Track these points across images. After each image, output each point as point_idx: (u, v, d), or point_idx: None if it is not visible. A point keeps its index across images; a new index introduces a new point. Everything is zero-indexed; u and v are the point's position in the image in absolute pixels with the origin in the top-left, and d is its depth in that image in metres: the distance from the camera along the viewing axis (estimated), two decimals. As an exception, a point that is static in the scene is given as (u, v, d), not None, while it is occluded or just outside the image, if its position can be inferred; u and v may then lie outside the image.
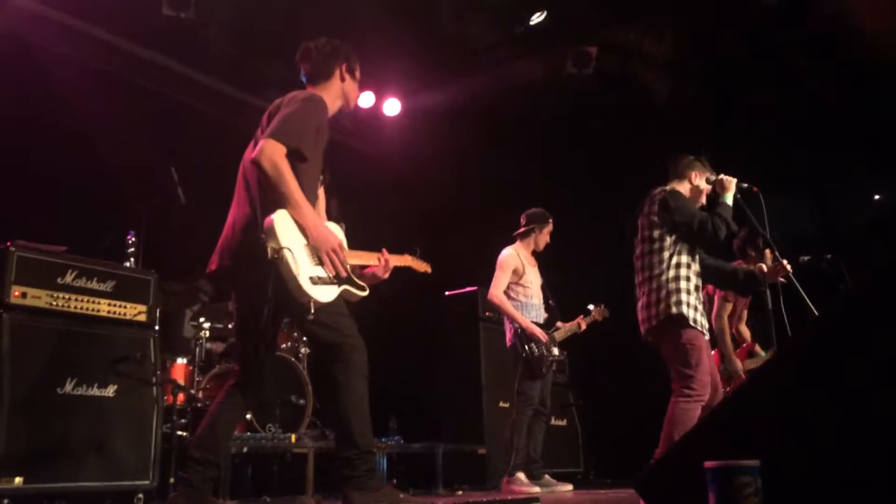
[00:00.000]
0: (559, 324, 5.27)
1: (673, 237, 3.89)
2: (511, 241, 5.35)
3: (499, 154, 6.99)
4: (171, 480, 3.79)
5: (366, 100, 6.97)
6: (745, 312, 5.60)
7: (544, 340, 4.95)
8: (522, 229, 5.34)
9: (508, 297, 5.11)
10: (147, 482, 3.70)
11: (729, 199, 3.89)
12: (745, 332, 5.66)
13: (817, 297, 4.03)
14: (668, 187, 4.03)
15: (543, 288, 5.35)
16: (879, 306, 1.53)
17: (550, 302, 5.37)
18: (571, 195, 6.69)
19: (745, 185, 3.99)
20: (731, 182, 3.94)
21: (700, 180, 4.05)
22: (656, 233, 3.90)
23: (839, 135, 6.06)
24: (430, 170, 7.12)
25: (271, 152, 2.67)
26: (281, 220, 2.64)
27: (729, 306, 5.25)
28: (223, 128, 6.27)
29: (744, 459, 1.34)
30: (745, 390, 1.62)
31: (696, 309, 3.79)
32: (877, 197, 6.92)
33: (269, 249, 2.55)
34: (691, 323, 3.74)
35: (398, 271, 6.42)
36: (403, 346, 6.93)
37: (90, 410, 3.51)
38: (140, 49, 5.68)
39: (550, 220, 5.37)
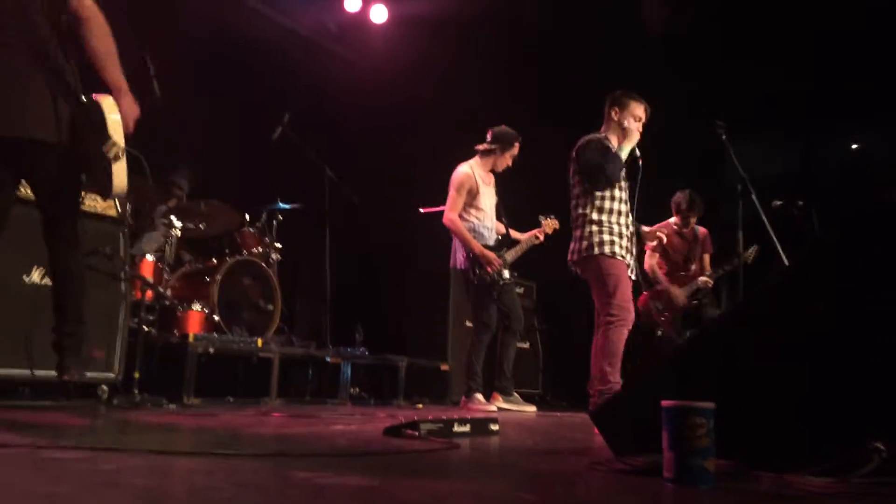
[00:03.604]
0: (514, 233, 5.27)
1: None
2: (471, 155, 5.22)
3: (486, 65, 6.84)
4: (136, 375, 3.82)
5: (352, 4, 6.75)
6: (706, 257, 5.80)
7: (497, 266, 4.94)
8: (485, 146, 5.17)
9: (462, 218, 5.03)
10: (112, 375, 3.73)
11: (623, 152, 4.23)
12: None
13: (788, 242, 4.18)
14: (597, 133, 4.35)
15: (497, 206, 5.27)
16: (843, 260, 1.56)
17: (503, 220, 5.32)
18: (554, 111, 6.59)
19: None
20: (633, 137, 4.24)
21: (622, 118, 4.29)
22: (575, 178, 4.34)
23: (826, 77, 6.03)
24: (416, 80, 6.98)
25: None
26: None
27: (656, 256, 5.77)
28: (202, 21, 6.05)
29: (699, 401, 1.38)
30: (708, 334, 1.66)
31: (613, 243, 4.20)
32: (854, 146, 6.95)
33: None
34: (608, 253, 4.18)
35: (371, 180, 6.41)
36: (374, 259, 6.96)
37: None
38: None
39: (517, 144, 5.17)
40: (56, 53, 2.60)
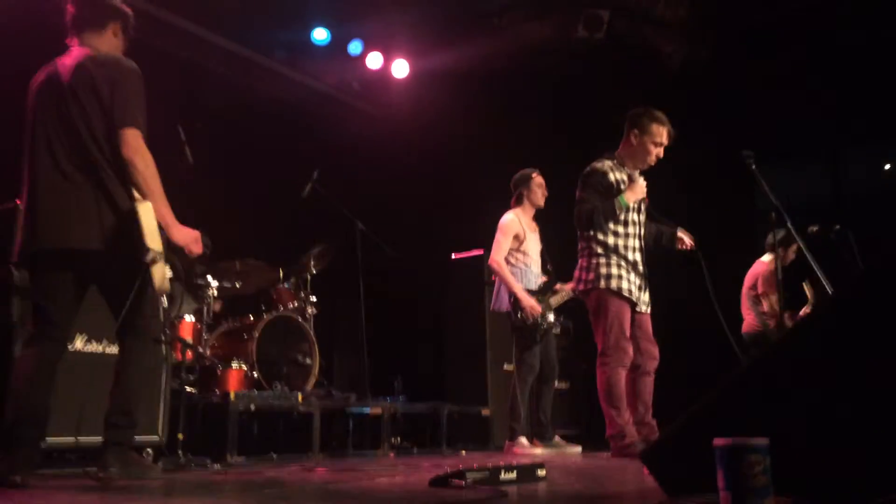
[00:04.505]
0: (558, 286, 5.26)
1: None
2: (498, 199, 5.36)
3: (508, 117, 6.93)
4: (180, 436, 3.84)
5: (374, 61, 6.89)
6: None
7: (536, 314, 4.92)
8: (514, 197, 5.31)
9: (508, 262, 5.10)
10: (156, 438, 3.75)
11: (623, 202, 4.09)
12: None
13: (826, 267, 4.10)
14: (610, 155, 4.27)
15: (542, 253, 5.33)
16: (891, 289, 1.53)
17: (549, 267, 5.34)
18: (580, 159, 6.64)
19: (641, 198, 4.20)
20: (638, 190, 4.12)
21: (642, 139, 4.18)
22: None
23: (854, 101, 6.00)
24: (439, 132, 7.07)
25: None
26: None
27: (765, 302, 5.79)
28: (230, 86, 6.23)
29: (753, 437, 1.35)
30: (755, 368, 1.63)
31: (621, 277, 4.08)
32: (887, 167, 6.87)
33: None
34: (614, 288, 4.05)
35: (401, 231, 6.46)
36: (409, 307, 6.97)
37: (100, 367, 3.52)
38: (147, 6, 5.60)
39: (534, 175, 5.27)
40: (102, 170, 2.74)
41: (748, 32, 6.14)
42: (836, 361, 1.53)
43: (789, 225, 3.96)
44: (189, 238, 2.86)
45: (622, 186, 4.15)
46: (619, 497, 2.20)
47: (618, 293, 4.06)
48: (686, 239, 4.32)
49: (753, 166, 3.96)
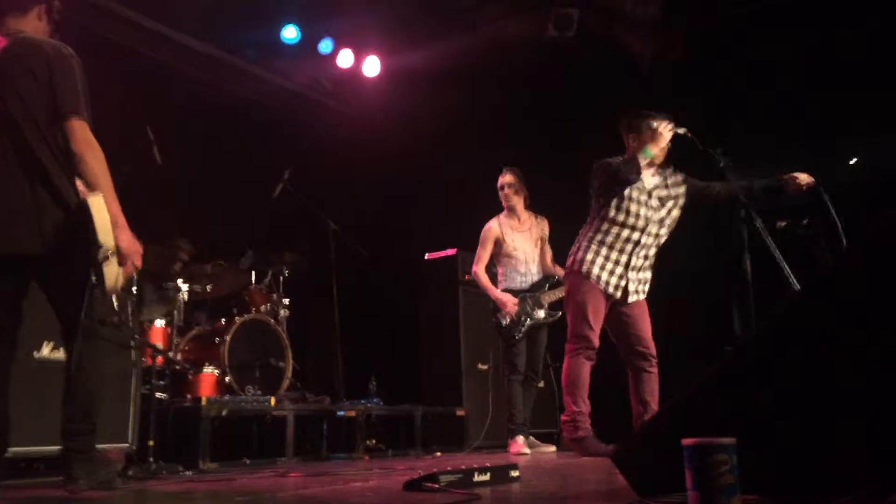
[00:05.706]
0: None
1: (601, 202, 4.09)
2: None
3: (481, 114, 6.92)
4: (151, 443, 3.78)
5: (345, 59, 6.85)
6: None
7: (510, 310, 4.98)
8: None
9: (496, 266, 5.22)
10: (126, 445, 3.70)
11: (647, 153, 3.97)
12: None
13: (794, 262, 4.11)
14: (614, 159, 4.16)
15: (543, 250, 5.31)
16: (859, 283, 1.54)
17: (549, 263, 5.34)
18: (553, 156, 6.65)
19: (681, 130, 4.04)
20: (660, 139, 3.98)
21: (644, 140, 4.06)
22: (592, 201, 4.19)
23: (821, 95, 6.06)
24: (412, 131, 7.05)
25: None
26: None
27: None
28: (199, 87, 6.16)
29: (721, 437, 1.36)
30: (724, 367, 1.64)
31: (594, 262, 4.00)
32: (853, 161, 6.96)
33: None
34: (583, 272, 3.99)
35: (374, 231, 6.43)
36: (383, 308, 6.95)
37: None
38: (114, 4, 5.52)
39: (499, 176, 5.31)
40: (46, 163, 2.61)
41: (718, 30, 6.19)
42: (802, 360, 1.54)
43: (757, 224, 3.98)
44: (133, 248, 2.67)
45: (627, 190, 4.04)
46: (591, 497, 2.20)
47: (587, 278, 4.00)
48: (799, 178, 3.90)
49: (722, 164, 3.98)
